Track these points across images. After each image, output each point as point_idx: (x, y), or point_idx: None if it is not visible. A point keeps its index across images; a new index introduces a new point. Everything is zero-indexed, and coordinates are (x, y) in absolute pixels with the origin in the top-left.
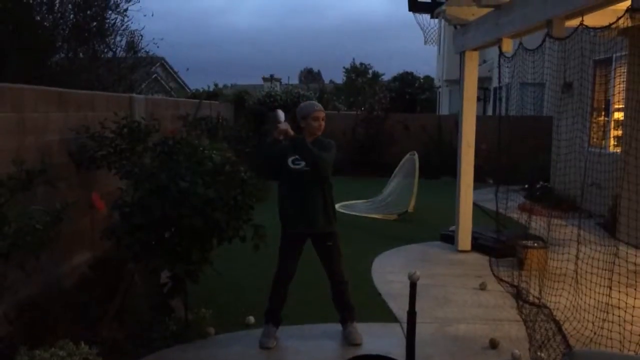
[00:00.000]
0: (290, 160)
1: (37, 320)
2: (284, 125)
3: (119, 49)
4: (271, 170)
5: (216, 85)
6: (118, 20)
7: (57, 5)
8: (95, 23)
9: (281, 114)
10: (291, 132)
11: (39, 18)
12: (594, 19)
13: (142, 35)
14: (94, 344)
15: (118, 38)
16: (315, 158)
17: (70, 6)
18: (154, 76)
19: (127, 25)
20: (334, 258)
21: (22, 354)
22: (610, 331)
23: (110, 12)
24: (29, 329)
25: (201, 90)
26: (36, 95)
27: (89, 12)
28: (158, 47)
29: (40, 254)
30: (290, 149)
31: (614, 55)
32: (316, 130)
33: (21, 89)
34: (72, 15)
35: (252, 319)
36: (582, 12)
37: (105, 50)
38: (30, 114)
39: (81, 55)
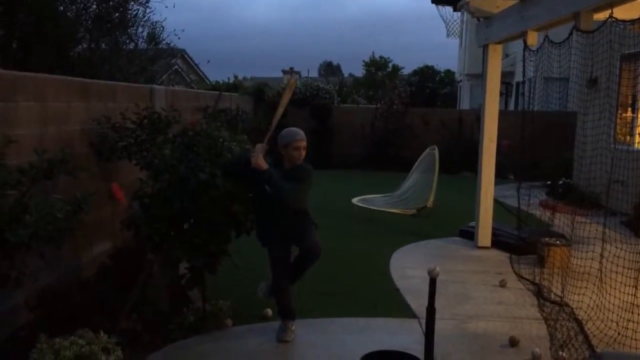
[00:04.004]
0: None
1: (57, 309)
2: (259, 151)
3: (141, 40)
4: (232, 176)
5: (236, 77)
6: (140, 11)
7: None
8: (117, 14)
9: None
10: (263, 166)
11: (61, 9)
12: (622, 12)
13: (163, 27)
14: (112, 333)
15: (140, 29)
16: (278, 194)
17: None
18: (174, 68)
19: (148, 17)
20: (304, 235)
21: (43, 341)
22: (635, 332)
23: (132, 3)
24: (49, 317)
25: (221, 82)
26: (58, 85)
27: (111, 2)
28: (179, 38)
29: (61, 243)
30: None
31: None
32: (295, 159)
33: (44, 78)
34: (94, 6)
35: (269, 311)
36: (611, 5)
37: (127, 41)
38: (53, 103)
39: (103, 46)
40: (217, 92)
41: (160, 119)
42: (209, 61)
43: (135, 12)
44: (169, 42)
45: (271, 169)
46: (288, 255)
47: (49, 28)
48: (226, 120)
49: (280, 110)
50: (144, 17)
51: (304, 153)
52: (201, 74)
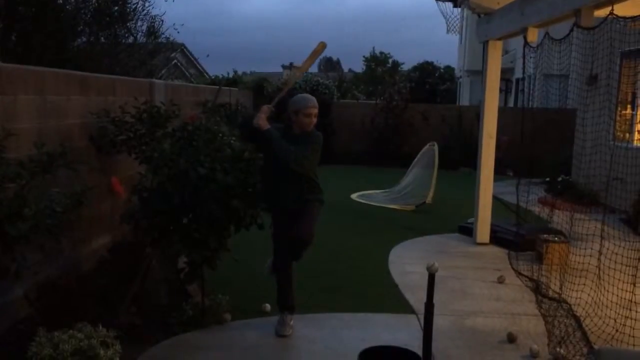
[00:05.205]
0: None
1: (56, 302)
2: (263, 112)
3: (140, 34)
4: (246, 137)
5: (236, 72)
6: (139, 4)
7: None
8: (116, 7)
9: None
10: (263, 126)
11: (61, 1)
12: (623, 9)
13: (162, 21)
14: (111, 327)
15: (139, 23)
16: (279, 153)
17: None
18: (174, 62)
19: (148, 10)
20: (302, 220)
21: (41, 335)
22: (633, 329)
23: None
24: (48, 311)
25: (220, 77)
26: (58, 79)
27: None
28: (179, 32)
29: (60, 236)
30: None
31: None
32: (306, 126)
33: (43, 72)
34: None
35: (268, 306)
36: (612, 1)
37: (127, 35)
38: (52, 97)
39: (103, 39)
40: (217, 87)
41: (160, 113)
42: (208, 55)
43: (134, 6)
44: (168, 36)
45: (272, 129)
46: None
47: (49, 21)
48: (226, 114)
49: (298, 74)
50: (143, 10)
51: (314, 120)
52: (200, 68)
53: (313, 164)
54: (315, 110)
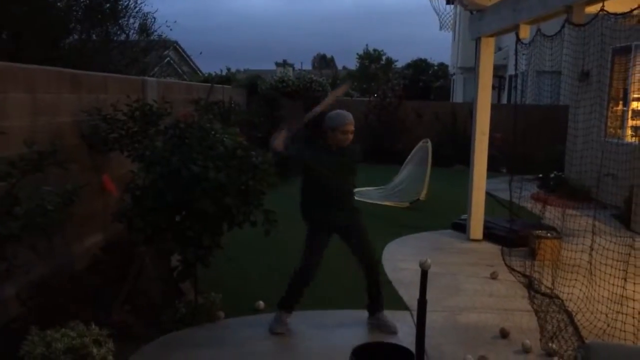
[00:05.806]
0: None
1: (48, 301)
2: (282, 135)
3: (132, 31)
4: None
5: (229, 69)
6: (131, 2)
7: None
8: (108, 5)
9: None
10: (278, 147)
11: None
12: (614, 5)
13: (154, 18)
14: (104, 325)
15: (131, 20)
16: (293, 159)
17: None
18: (166, 60)
19: (140, 8)
20: (356, 242)
21: (34, 334)
22: (624, 323)
23: None
24: (40, 310)
25: (214, 74)
26: (49, 77)
27: None
28: (171, 30)
29: (52, 235)
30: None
31: (634, 44)
32: (342, 142)
33: (34, 69)
34: None
35: (261, 303)
36: None
37: (118, 32)
38: (43, 95)
39: (94, 37)
40: (210, 85)
41: (152, 110)
42: (201, 53)
43: (126, 3)
44: (160, 33)
45: (289, 145)
46: (326, 245)
47: (40, 19)
48: (219, 112)
49: (318, 109)
50: (135, 8)
51: (351, 137)
52: (193, 65)
53: (354, 175)
54: (352, 127)
